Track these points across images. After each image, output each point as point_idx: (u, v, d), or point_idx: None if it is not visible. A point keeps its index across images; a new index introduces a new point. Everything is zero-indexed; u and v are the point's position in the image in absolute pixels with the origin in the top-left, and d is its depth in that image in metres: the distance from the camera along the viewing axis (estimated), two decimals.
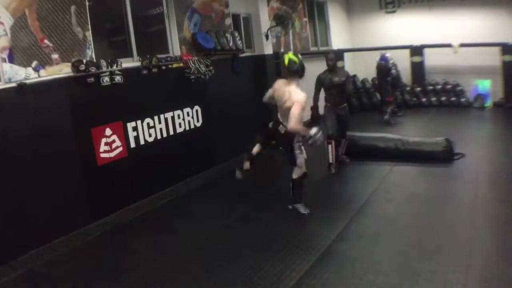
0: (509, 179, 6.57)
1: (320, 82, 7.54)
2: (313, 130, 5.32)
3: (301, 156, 5.52)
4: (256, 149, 5.70)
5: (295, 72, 5.25)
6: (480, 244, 4.55)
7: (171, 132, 7.00)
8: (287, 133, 5.31)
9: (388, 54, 11.69)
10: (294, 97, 5.09)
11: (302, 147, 5.51)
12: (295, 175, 5.57)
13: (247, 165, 5.67)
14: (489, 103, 12.84)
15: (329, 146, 7.22)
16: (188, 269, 4.49)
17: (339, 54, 13.80)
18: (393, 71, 11.63)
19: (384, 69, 11.37)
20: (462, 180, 6.60)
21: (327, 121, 7.36)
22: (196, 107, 7.58)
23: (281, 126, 5.43)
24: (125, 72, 6.09)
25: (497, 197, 5.83)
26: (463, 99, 12.98)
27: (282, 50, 10.77)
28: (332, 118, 7.37)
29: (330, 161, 7.34)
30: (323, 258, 4.47)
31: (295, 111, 5.01)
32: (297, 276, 4.16)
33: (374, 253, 4.56)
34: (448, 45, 12.23)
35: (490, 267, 4.05)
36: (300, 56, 5.31)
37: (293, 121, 5.02)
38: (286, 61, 5.30)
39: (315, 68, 12.81)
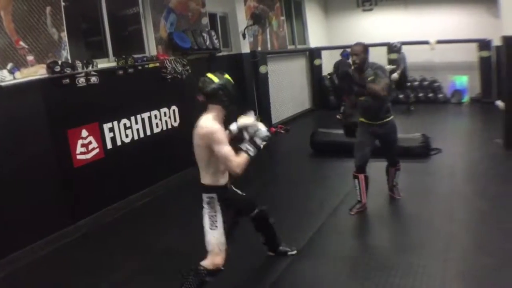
0: (485, 173, 6.79)
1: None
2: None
3: (210, 232, 3.65)
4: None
5: (211, 94, 3.54)
6: (458, 237, 4.71)
7: (148, 133, 7.06)
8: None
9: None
10: (205, 130, 3.50)
11: (216, 213, 3.66)
12: (204, 262, 3.68)
13: None
14: (466, 98, 13.16)
15: (356, 181, 5.59)
16: (166, 269, 4.56)
17: (317, 52, 14.02)
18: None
19: (343, 65, 11.58)
20: (439, 175, 6.79)
21: (355, 147, 5.63)
22: (173, 107, 7.65)
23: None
24: (101, 72, 6.12)
25: (474, 191, 6.01)
26: (440, 95, 13.26)
27: (259, 48, 10.89)
28: (362, 144, 5.52)
29: (359, 198, 5.60)
30: (301, 255, 4.56)
31: (221, 150, 3.40)
32: (277, 273, 4.26)
33: (353, 249, 4.71)
34: (425, 42, 12.46)
35: (468, 260, 4.20)
36: (225, 76, 3.57)
37: (231, 165, 3.41)
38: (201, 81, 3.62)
39: (293, 67, 13.05)
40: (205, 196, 3.70)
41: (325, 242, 4.93)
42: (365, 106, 5.28)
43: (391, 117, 5.36)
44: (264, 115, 10.44)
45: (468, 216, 5.32)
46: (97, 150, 6.09)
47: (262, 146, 3.55)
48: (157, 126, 7.26)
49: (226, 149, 3.38)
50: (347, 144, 8.03)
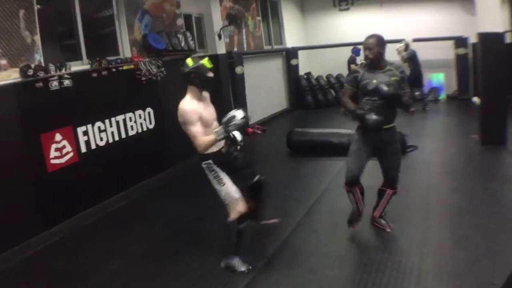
0: (461, 169, 7.00)
1: (353, 83, 4.71)
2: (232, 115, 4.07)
3: (221, 189, 4.26)
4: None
5: (185, 76, 4.15)
6: (434, 232, 4.85)
7: (123, 135, 7.08)
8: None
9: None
10: (180, 110, 4.13)
11: (218, 173, 4.25)
12: (230, 216, 4.32)
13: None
14: (443, 96, 13.45)
15: (350, 195, 4.92)
16: (141, 273, 4.60)
17: (294, 52, 14.15)
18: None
19: (350, 62, 11.75)
20: (415, 172, 6.92)
21: (349, 155, 4.90)
22: (148, 109, 7.68)
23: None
24: (74, 75, 6.12)
25: (450, 187, 6.19)
26: (417, 93, 13.42)
27: (235, 49, 10.97)
28: (359, 151, 4.80)
29: (355, 207, 4.97)
30: (277, 255, 4.64)
31: (190, 129, 4.07)
32: (251, 274, 4.31)
33: (328, 247, 4.79)
34: (402, 41, 12.65)
35: (443, 255, 4.33)
36: (201, 61, 4.17)
37: (196, 143, 4.08)
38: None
39: (270, 67, 13.15)
40: (203, 164, 4.27)
41: (301, 241, 5.01)
42: (374, 107, 4.55)
43: (395, 124, 4.78)
44: None
45: (444, 211, 5.47)
46: (71, 154, 6.08)
47: (233, 130, 4.05)
48: (132, 129, 7.27)
49: (193, 129, 4.05)
50: (324, 143, 8.24)
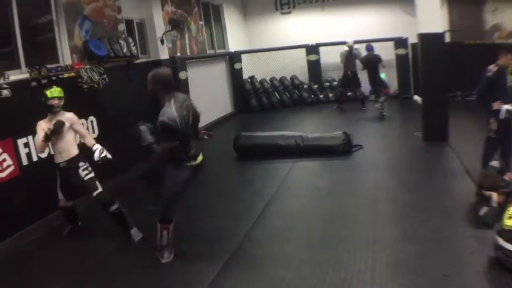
0: (406, 165, 7.32)
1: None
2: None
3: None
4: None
5: None
6: (383, 229, 5.07)
7: None
8: None
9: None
10: None
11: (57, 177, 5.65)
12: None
13: None
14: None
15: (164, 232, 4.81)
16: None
17: (237, 56, 14.20)
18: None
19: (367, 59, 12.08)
20: (362, 170, 7.17)
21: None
22: (91, 118, 7.56)
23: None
24: (14, 85, 5.96)
25: (396, 184, 6.51)
26: (359, 93, 13.77)
27: (178, 54, 10.90)
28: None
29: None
30: (232, 260, 4.68)
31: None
32: (207, 281, 4.32)
33: (283, 249, 4.91)
34: (343, 43, 12.92)
35: (394, 250, 4.53)
36: (47, 91, 5.28)
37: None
38: None
39: (213, 72, 13.12)
40: None
41: (255, 244, 5.09)
42: None
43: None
44: None
45: (391, 208, 5.68)
46: (12, 168, 5.89)
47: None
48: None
49: (36, 138, 5.58)
50: (270, 146, 8.32)
